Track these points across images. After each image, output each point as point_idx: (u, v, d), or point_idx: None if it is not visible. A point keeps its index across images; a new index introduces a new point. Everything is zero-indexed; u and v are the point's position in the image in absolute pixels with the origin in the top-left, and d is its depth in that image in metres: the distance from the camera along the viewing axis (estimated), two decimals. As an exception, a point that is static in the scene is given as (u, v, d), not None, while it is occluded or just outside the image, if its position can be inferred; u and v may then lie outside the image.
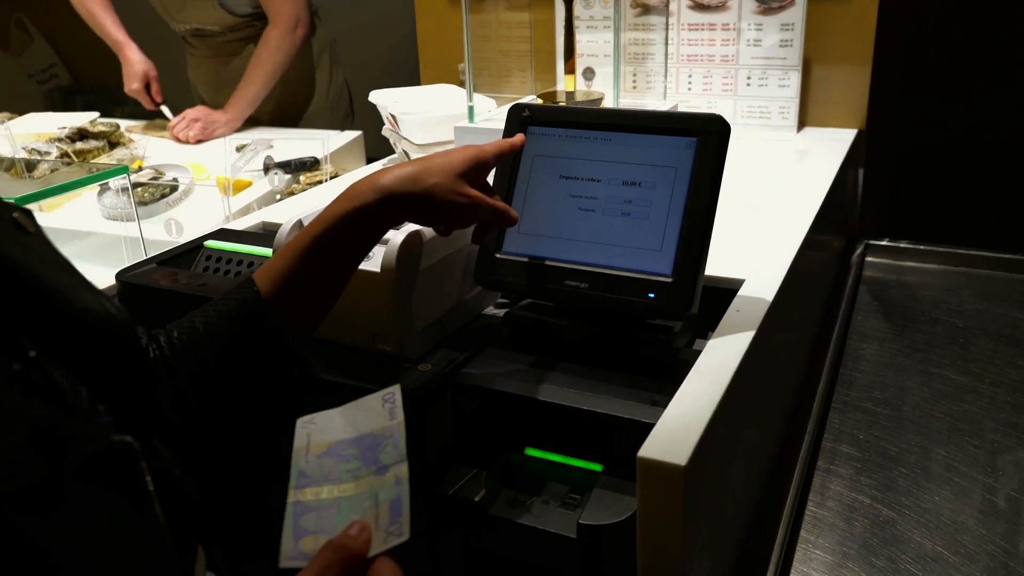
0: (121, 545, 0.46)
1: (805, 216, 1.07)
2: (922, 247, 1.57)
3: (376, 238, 0.74)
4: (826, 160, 1.36)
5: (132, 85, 2.15)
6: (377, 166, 1.56)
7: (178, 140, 2.05)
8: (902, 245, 1.59)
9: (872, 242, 1.61)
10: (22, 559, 0.40)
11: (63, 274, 0.55)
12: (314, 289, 0.71)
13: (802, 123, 1.56)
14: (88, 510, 0.44)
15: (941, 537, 0.95)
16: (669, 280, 0.77)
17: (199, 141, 2.03)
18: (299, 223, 0.84)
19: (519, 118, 0.86)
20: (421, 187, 0.71)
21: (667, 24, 1.46)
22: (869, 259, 1.60)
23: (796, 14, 1.46)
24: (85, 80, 3.76)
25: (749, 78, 1.53)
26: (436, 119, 1.28)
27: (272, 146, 1.86)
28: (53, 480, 0.42)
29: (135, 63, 2.15)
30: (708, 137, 0.77)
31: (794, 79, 1.50)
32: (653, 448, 0.59)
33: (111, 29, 2.16)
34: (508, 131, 0.86)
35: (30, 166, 1.62)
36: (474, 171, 0.75)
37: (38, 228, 0.57)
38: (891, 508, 1.00)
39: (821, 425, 1.15)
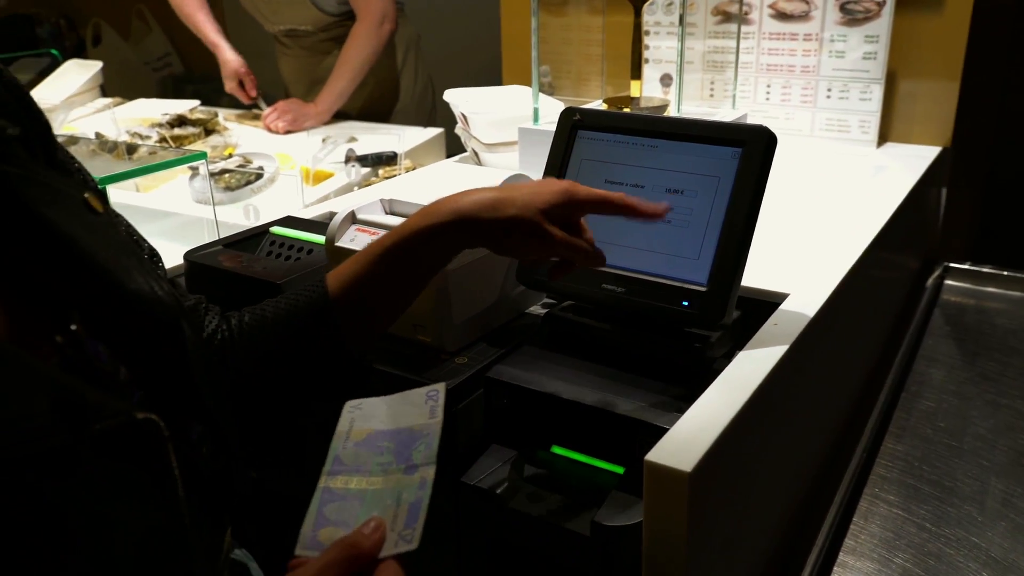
0: (137, 519, 0.48)
1: (866, 233, 1.05)
2: (1006, 273, 1.50)
3: (448, 258, 0.74)
4: (902, 177, 1.31)
5: (229, 85, 2.28)
6: (450, 162, 1.60)
7: (269, 130, 2.14)
8: (984, 270, 1.53)
9: (952, 265, 1.55)
10: (38, 520, 0.42)
11: (121, 255, 0.57)
12: (380, 297, 0.73)
13: (883, 138, 1.52)
14: (107, 481, 0.46)
15: (989, 575, 0.91)
16: (704, 289, 0.77)
17: (288, 132, 2.12)
18: (351, 215, 0.88)
19: (570, 122, 0.88)
20: (498, 215, 0.70)
21: (739, 33, 1.44)
22: (948, 282, 1.54)
23: (882, 26, 1.42)
24: (196, 70, 3.95)
25: (830, 90, 1.49)
26: (505, 120, 1.30)
27: (356, 139, 1.92)
28: (73, 448, 0.44)
29: (229, 63, 2.27)
30: (753, 148, 0.77)
31: (876, 92, 1.46)
32: (661, 453, 0.60)
33: (207, 31, 2.29)
34: (558, 134, 0.88)
35: (131, 149, 1.72)
36: (561, 208, 0.71)
37: (107, 209, 0.60)
38: (939, 540, 0.97)
39: (875, 449, 1.11)
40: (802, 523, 0.98)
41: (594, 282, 0.82)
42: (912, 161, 1.40)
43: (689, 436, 0.61)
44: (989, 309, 1.46)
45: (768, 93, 1.55)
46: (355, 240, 0.86)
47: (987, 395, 1.23)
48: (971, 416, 1.19)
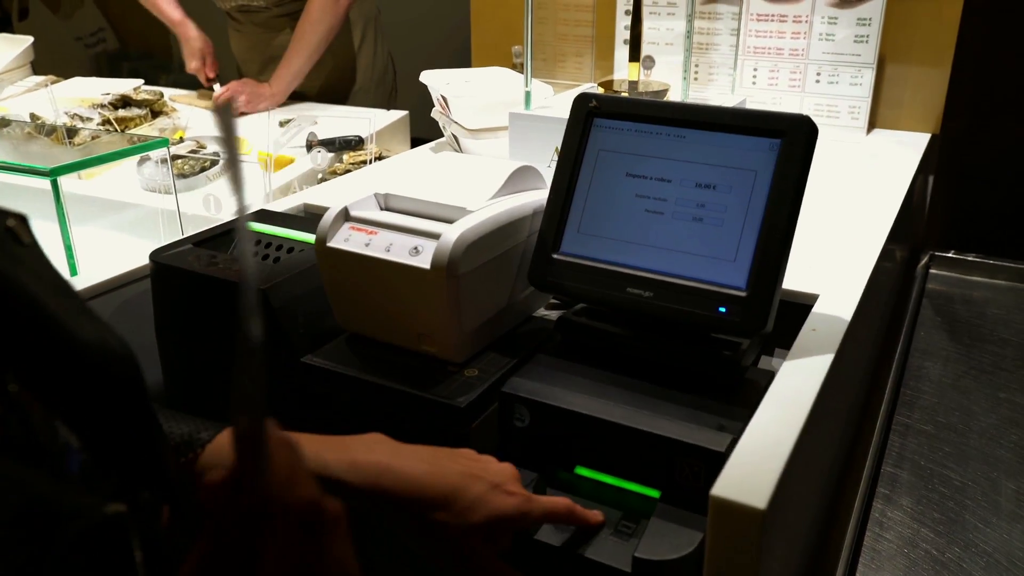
0: None
1: (881, 226, 1.00)
2: (991, 261, 1.49)
3: None
4: (900, 165, 1.28)
5: (192, 64, 2.12)
6: (424, 150, 1.51)
7: (221, 112, 2.01)
8: (969, 258, 1.50)
9: (937, 253, 1.52)
10: None
11: (60, 296, 0.46)
12: None
13: (871, 124, 1.48)
14: None
15: (1013, 579, 0.88)
16: (743, 294, 0.70)
17: (242, 114, 1.99)
18: (344, 211, 0.79)
19: (585, 108, 0.80)
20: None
21: (740, 13, 1.38)
22: (933, 271, 1.52)
23: (874, 8, 1.37)
24: (132, 46, 3.75)
25: (819, 74, 1.45)
26: (490, 104, 1.22)
27: (317, 123, 1.81)
28: (35, 564, 0.35)
29: (193, 40, 2.12)
30: (794, 139, 0.71)
31: (868, 77, 1.41)
32: (729, 486, 0.53)
33: (167, 8, 2.14)
34: (572, 122, 0.80)
35: (71, 132, 1.59)
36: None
37: (34, 239, 0.48)
38: (956, 544, 0.93)
39: (881, 448, 1.08)
40: (826, 533, 0.93)
41: (618, 285, 0.75)
42: (905, 148, 1.37)
43: (755, 465, 0.55)
44: (977, 299, 1.44)
45: (755, 77, 1.50)
46: (349, 240, 0.77)
47: (985, 389, 1.21)
48: (972, 411, 1.16)
